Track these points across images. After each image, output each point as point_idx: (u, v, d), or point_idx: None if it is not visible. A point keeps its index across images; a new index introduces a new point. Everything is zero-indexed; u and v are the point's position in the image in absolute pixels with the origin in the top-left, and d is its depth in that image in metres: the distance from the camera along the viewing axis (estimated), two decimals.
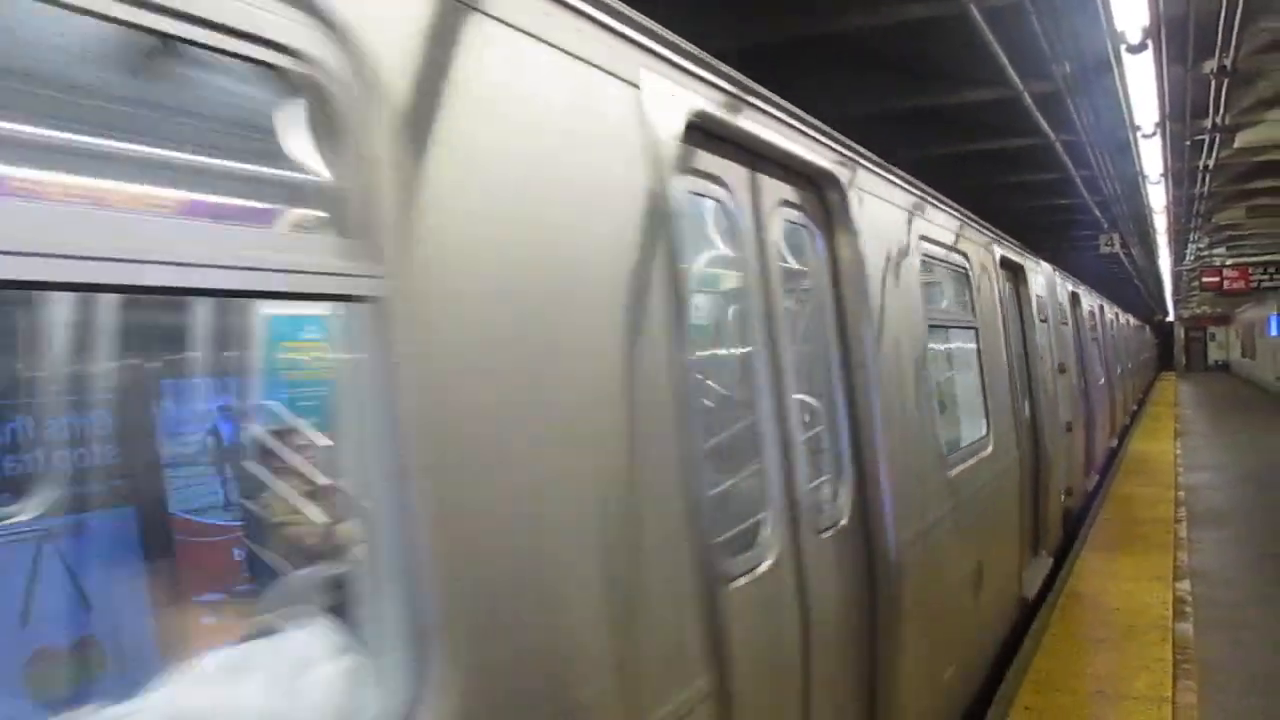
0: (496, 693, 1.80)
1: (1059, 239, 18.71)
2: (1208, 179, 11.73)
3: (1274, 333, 31.85)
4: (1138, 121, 8.42)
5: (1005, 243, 7.61)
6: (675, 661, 2.36)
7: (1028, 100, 8.03)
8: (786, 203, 3.50)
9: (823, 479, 3.63)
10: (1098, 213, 15.25)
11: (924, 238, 5.12)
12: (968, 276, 6.00)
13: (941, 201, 5.77)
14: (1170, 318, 51.09)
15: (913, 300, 4.68)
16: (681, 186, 2.67)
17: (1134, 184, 12.39)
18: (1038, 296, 8.54)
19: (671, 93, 2.63)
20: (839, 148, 3.94)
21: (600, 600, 2.11)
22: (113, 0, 1.29)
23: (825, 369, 3.73)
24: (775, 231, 3.36)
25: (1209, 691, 5.82)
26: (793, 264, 3.68)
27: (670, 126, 2.58)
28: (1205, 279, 20.50)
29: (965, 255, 6.03)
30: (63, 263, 1.24)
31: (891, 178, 4.71)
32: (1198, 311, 48.76)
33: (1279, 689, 6.03)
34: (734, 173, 3.12)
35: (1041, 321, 8.61)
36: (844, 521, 3.59)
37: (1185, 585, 8.08)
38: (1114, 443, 15.94)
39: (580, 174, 2.22)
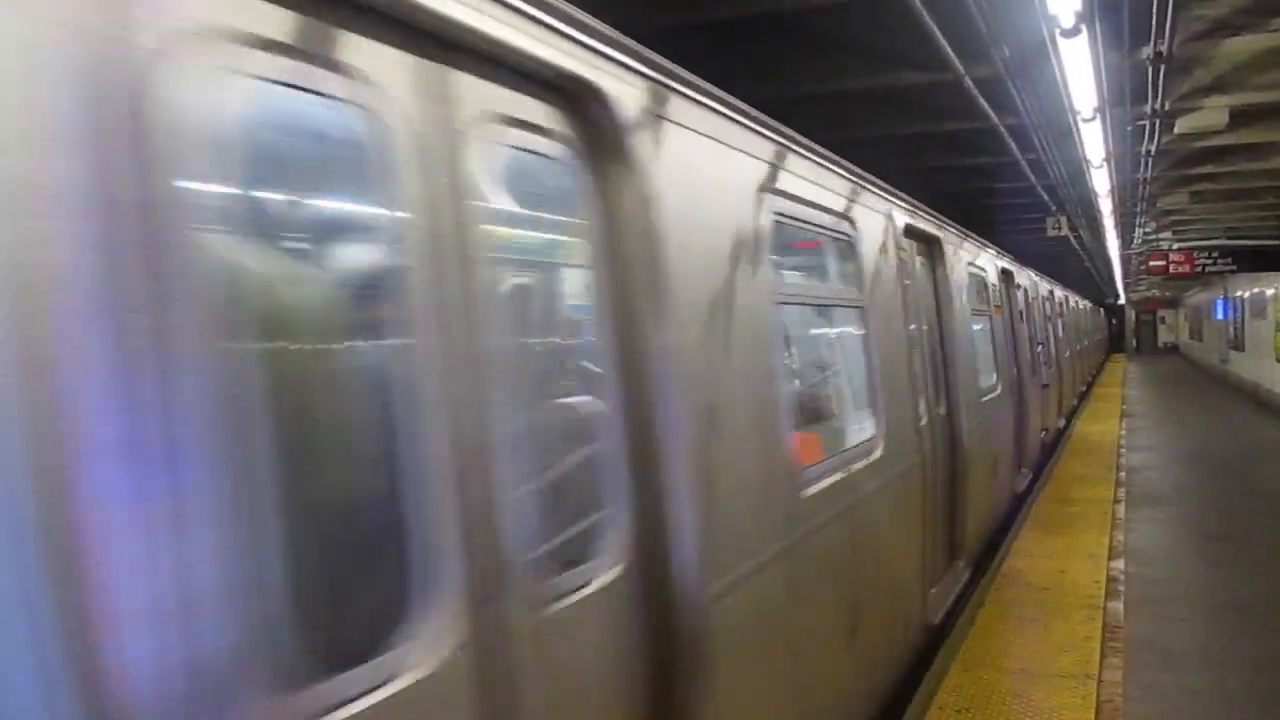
0: None
1: (1009, 222, 18.89)
2: (1150, 164, 11.86)
3: (1219, 316, 32.41)
4: (1077, 106, 8.47)
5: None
6: None
7: (969, 83, 8.04)
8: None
9: None
10: (1045, 196, 15.37)
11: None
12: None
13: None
14: (1121, 300, 51.77)
15: None
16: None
17: (1079, 168, 12.49)
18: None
19: (899, 215, 5.99)
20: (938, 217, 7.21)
21: None
22: None
23: None
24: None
25: (1134, 669, 5.92)
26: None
27: (900, 229, 5.93)
28: (1152, 263, 20.73)
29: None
30: None
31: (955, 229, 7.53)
32: (1148, 294, 49.47)
33: (1201, 666, 6.16)
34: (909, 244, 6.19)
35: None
36: None
37: (1119, 564, 8.21)
38: (1044, 434, 15.08)
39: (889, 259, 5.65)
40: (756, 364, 3.56)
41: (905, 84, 8.90)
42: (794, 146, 4.30)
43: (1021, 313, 11.69)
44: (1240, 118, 9.85)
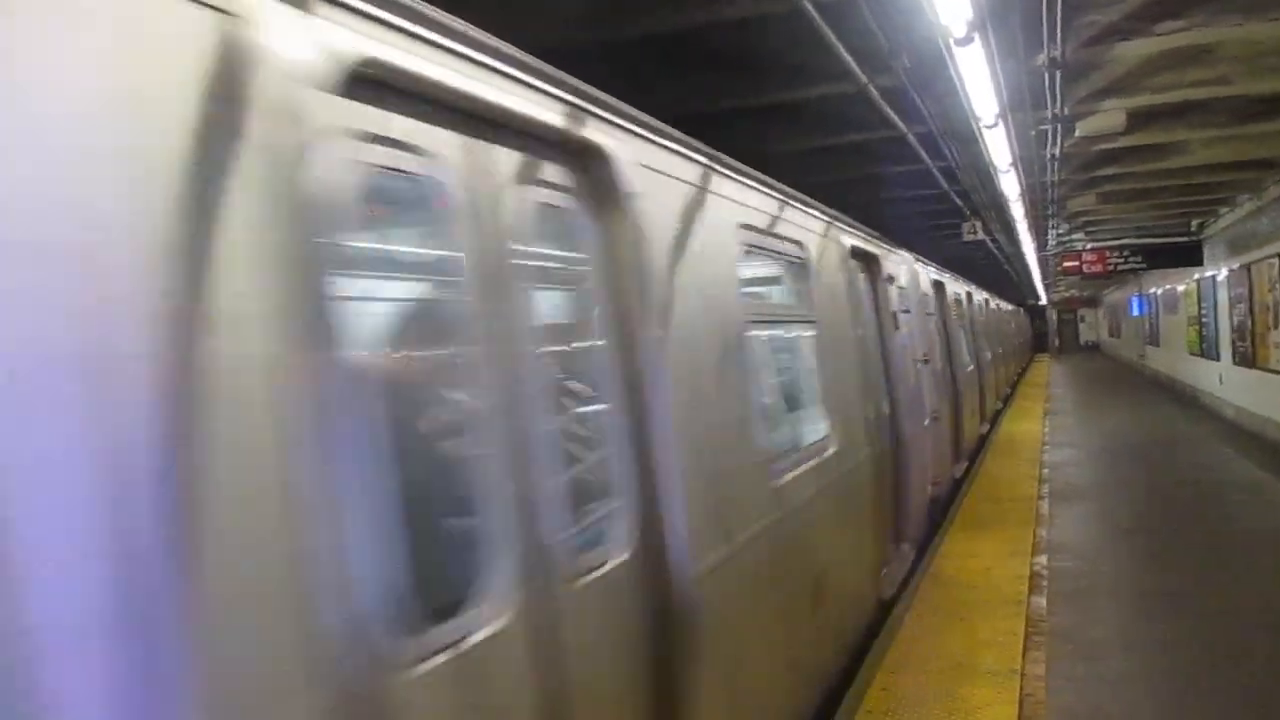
0: None
1: (925, 228, 19.19)
2: (1056, 167, 12.11)
3: (1135, 313, 33.31)
4: (978, 113, 8.63)
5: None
6: None
7: (874, 94, 8.17)
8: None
9: None
10: (959, 202, 15.65)
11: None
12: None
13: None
14: (1043, 301, 52.89)
15: None
16: None
17: (988, 173, 12.74)
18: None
19: (845, 238, 6.62)
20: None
21: None
22: None
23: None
24: None
25: (1057, 661, 6.03)
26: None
27: (848, 250, 6.69)
28: (1066, 264, 21.18)
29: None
30: None
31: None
32: (1068, 295, 50.58)
33: (1121, 654, 6.29)
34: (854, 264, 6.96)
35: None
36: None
37: (1042, 560, 8.37)
38: (984, 428, 16.07)
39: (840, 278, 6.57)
40: (735, 375, 4.04)
41: (816, 96, 9.01)
42: (764, 189, 5.06)
43: (955, 319, 12.59)
44: (1138, 119, 10.12)
